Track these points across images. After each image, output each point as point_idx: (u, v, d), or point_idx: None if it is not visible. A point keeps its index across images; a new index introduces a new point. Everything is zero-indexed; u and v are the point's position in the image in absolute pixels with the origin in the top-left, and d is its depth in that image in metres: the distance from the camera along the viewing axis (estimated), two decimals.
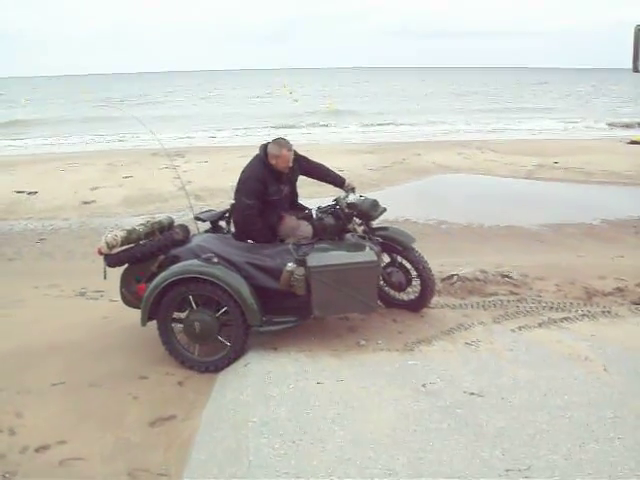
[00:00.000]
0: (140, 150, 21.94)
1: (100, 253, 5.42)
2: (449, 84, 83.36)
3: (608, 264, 7.93)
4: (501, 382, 4.59)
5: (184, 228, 5.84)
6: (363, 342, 5.42)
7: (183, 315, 5.41)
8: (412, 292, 6.08)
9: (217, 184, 14.16)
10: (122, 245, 5.45)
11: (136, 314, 5.42)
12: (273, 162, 5.70)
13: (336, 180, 6.23)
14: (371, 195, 6.14)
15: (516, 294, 6.58)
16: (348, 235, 5.81)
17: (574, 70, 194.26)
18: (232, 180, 5.89)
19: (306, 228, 5.82)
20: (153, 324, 5.35)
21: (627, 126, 30.95)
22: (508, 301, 6.33)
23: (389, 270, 6.01)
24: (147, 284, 5.37)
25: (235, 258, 5.37)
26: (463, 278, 6.90)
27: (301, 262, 5.22)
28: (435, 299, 6.24)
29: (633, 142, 21.38)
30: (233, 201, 6.02)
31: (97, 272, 5.62)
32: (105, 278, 5.52)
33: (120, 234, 5.40)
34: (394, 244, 5.90)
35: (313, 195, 8.76)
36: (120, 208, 13.23)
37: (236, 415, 4.33)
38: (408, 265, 5.97)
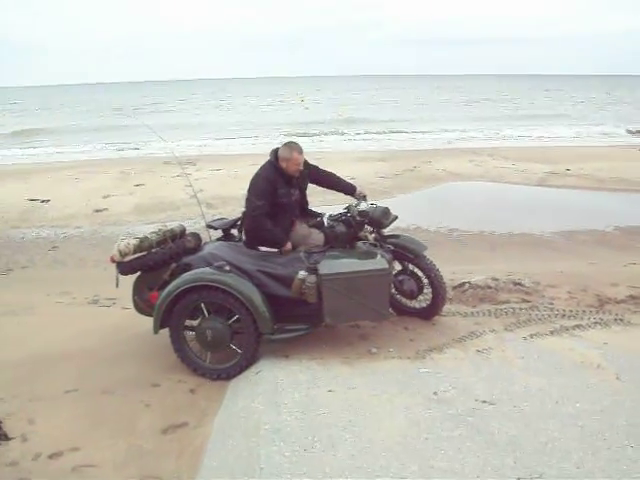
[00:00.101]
0: (152, 158, 22.04)
1: (113, 261, 5.45)
2: (462, 91, 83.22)
3: (620, 271, 7.89)
4: (513, 390, 4.58)
5: (196, 236, 5.86)
6: (374, 350, 5.42)
7: (195, 323, 5.42)
8: (423, 300, 6.07)
9: (229, 192, 14.20)
10: (134, 253, 5.47)
11: (148, 322, 5.44)
12: (284, 165, 5.72)
13: (347, 188, 6.24)
14: (382, 203, 6.15)
15: (528, 302, 6.55)
16: (359, 243, 5.81)
17: (588, 76, 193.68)
18: (243, 188, 5.91)
19: (317, 236, 5.83)
20: (165, 332, 5.37)
21: None
22: (520, 309, 6.31)
23: (400, 278, 6.01)
24: (159, 292, 5.39)
25: (247, 266, 5.38)
26: (474, 286, 6.89)
27: (312, 270, 5.23)
28: (447, 307, 6.24)
29: None
30: (244, 209, 6.05)
31: (109, 280, 5.66)
32: (117, 286, 5.53)
33: (132, 242, 5.42)
34: (405, 252, 5.90)
35: (325, 203, 8.77)
36: (132, 216, 13.28)
37: (248, 422, 4.34)
38: (420, 273, 5.97)
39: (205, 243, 5.96)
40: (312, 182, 6.16)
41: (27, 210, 13.89)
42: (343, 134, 33.08)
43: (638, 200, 13.97)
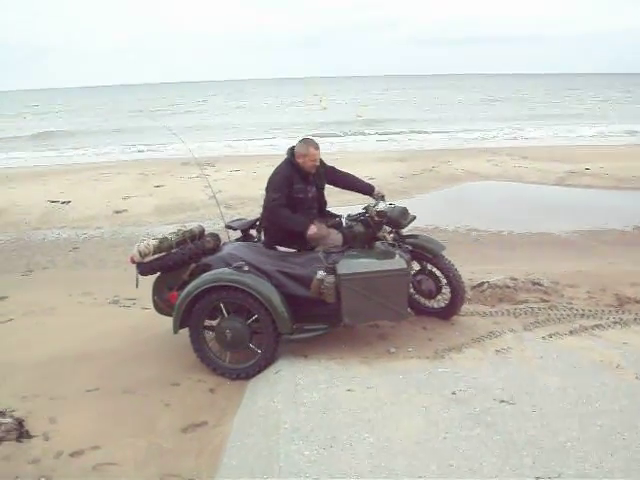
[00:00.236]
0: (171, 159, 22.13)
1: (133, 261, 5.49)
2: (480, 91, 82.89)
3: None
4: (531, 390, 4.57)
5: (215, 237, 5.89)
6: (393, 350, 5.43)
7: (214, 323, 5.46)
8: (442, 300, 6.07)
9: (247, 193, 14.25)
10: (154, 254, 5.50)
11: (168, 322, 5.48)
12: (300, 161, 5.76)
13: (365, 188, 6.25)
14: (401, 203, 6.15)
15: (547, 301, 6.53)
16: (378, 243, 5.81)
17: (608, 75, 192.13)
18: (262, 189, 5.94)
19: (336, 236, 5.84)
20: (185, 332, 5.41)
21: None
22: (539, 308, 6.29)
23: (419, 278, 6.01)
24: (179, 292, 5.42)
25: (266, 266, 5.40)
26: (493, 285, 6.88)
27: (331, 270, 5.24)
28: (465, 307, 6.22)
29: None
30: (263, 209, 6.08)
31: (129, 280, 5.69)
32: (137, 286, 5.57)
33: (152, 243, 5.46)
34: (424, 252, 5.89)
35: (343, 203, 8.78)
36: (152, 217, 13.35)
37: (267, 421, 4.36)
38: (438, 273, 5.96)
39: (224, 244, 5.99)
40: (330, 183, 6.18)
41: (48, 212, 14.00)
42: (362, 134, 33.03)
43: None
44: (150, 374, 5.43)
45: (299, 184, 5.76)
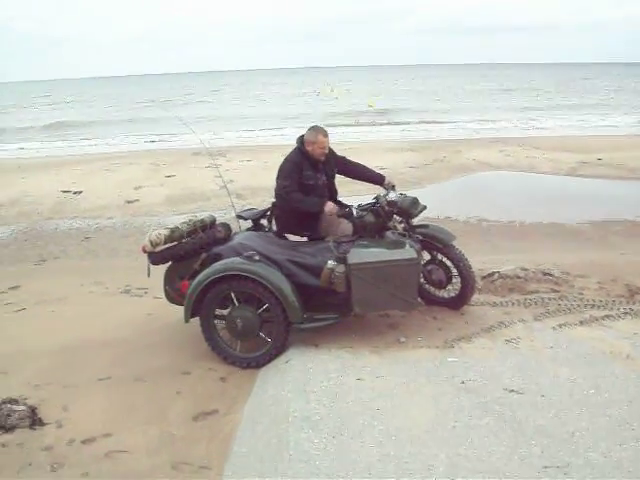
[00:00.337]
0: (183, 150, 22.17)
1: (144, 251, 5.52)
2: (493, 80, 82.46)
3: None
4: (541, 380, 4.57)
5: (226, 226, 5.92)
6: (403, 339, 5.43)
7: (225, 312, 5.48)
8: (452, 290, 6.07)
9: (259, 183, 14.27)
10: (165, 243, 5.53)
11: (179, 311, 5.51)
12: (309, 149, 5.79)
13: (375, 178, 6.26)
14: (412, 193, 6.15)
15: (557, 292, 6.51)
16: (388, 233, 5.82)
17: (621, 64, 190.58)
18: (273, 179, 5.96)
19: (346, 226, 5.85)
20: (196, 321, 5.44)
21: None
22: (549, 299, 6.27)
23: (429, 268, 6.01)
24: (190, 281, 5.45)
25: (276, 256, 5.42)
26: (504, 276, 6.87)
27: (341, 259, 5.24)
28: (476, 297, 6.22)
29: None
30: (274, 199, 6.10)
31: (141, 270, 5.74)
32: (149, 276, 5.61)
33: (163, 232, 5.49)
34: (434, 242, 5.89)
35: (354, 193, 8.79)
36: (163, 207, 13.41)
37: (277, 410, 4.39)
38: (448, 263, 5.96)
39: (235, 233, 6.01)
40: (340, 173, 6.20)
41: (60, 202, 14.07)
42: (374, 124, 32.97)
43: None
44: (161, 363, 5.47)
45: (309, 171, 5.80)
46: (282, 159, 5.98)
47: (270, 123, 34.45)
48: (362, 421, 4.11)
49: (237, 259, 5.32)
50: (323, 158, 5.89)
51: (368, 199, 6.04)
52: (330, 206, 5.70)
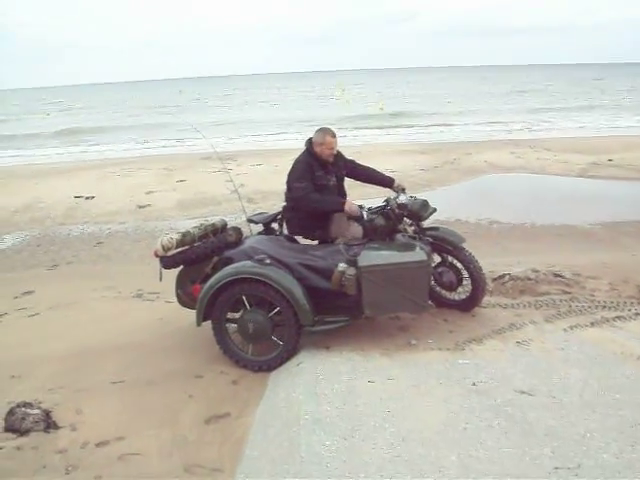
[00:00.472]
0: (193, 154, 22.23)
1: (156, 255, 5.56)
2: (503, 83, 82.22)
3: None
4: (552, 381, 4.57)
5: (237, 230, 5.93)
6: (414, 341, 5.45)
7: (237, 315, 5.50)
8: (463, 292, 6.07)
9: (269, 187, 14.31)
10: (177, 247, 5.56)
11: (191, 315, 5.54)
12: (318, 150, 5.84)
13: (384, 181, 6.27)
14: (423, 195, 6.17)
15: (568, 293, 6.50)
16: (398, 235, 5.82)
17: (636, 64, 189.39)
18: (284, 183, 6.00)
19: (356, 229, 5.87)
20: (208, 324, 5.46)
21: None
22: (560, 300, 6.27)
23: (440, 270, 6.02)
24: (202, 285, 5.48)
25: (287, 259, 5.44)
26: (515, 277, 6.86)
27: (352, 262, 5.26)
28: (486, 299, 6.23)
29: None
30: (284, 203, 6.13)
31: (153, 274, 5.76)
32: (161, 280, 5.63)
33: (175, 237, 5.52)
34: (444, 244, 5.91)
35: (364, 196, 8.81)
36: (174, 211, 13.46)
37: (289, 413, 4.40)
38: (459, 265, 5.97)
39: (246, 237, 6.03)
40: (349, 176, 6.23)
41: (72, 207, 14.16)
42: (384, 127, 32.98)
43: None
44: (174, 366, 5.50)
45: (319, 172, 5.83)
46: (292, 164, 6.01)
47: (280, 127, 34.55)
48: (373, 423, 4.12)
49: (248, 263, 5.34)
50: (332, 159, 5.93)
51: (378, 202, 6.06)
52: (350, 205, 5.73)
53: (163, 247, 5.46)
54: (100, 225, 12.57)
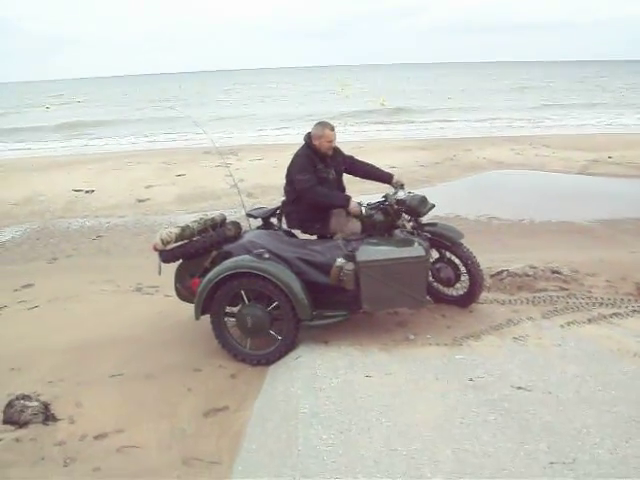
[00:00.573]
0: (194, 149, 22.23)
1: (155, 249, 5.58)
2: (508, 79, 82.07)
3: None
4: (549, 377, 4.59)
5: (236, 225, 5.95)
6: (412, 336, 5.47)
7: (235, 309, 5.53)
8: (461, 288, 6.10)
9: (269, 182, 14.32)
10: (176, 241, 5.58)
11: (190, 309, 5.57)
12: (317, 143, 5.86)
13: (383, 177, 6.29)
14: (422, 191, 6.20)
15: (566, 290, 6.52)
16: (397, 231, 5.85)
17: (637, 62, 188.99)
18: (283, 178, 6.02)
19: (355, 224, 5.88)
20: (206, 318, 5.49)
21: None
22: (558, 297, 6.28)
23: (438, 266, 6.03)
24: (201, 279, 5.50)
25: (286, 254, 5.46)
26: (513, 274, 6.88)
27: (350, 257, 5.28)
28: (484, 294, 6.26)
29: None
30: (284, 198, 6.15)
31: (152, 268, 5.79)
32: (160, 274, 5.66)
33: (174, 231, 5.54)
34: (442, 240, 5.92)
35: (363, 192, 8.82)
36: (174, 206, 13.47)
37: (287, 406, 4.43)
38: (457, 261, 5.99)
39: (245, 231, 6.05)
40: (348, 172, 6.25)
41: (72, 200, 14.17)
42: (385, 123, 32.94)
43: None
44: (173, 360, 5.53)
45: (319, 164, 5.86)
46: (291, 157, 6.03)
47: (281, 122, 34.50)
48: (370, 417, 4.14)
49: (247, 257, 5.36)
50: (330, 152, 5.96)
51: (377, 198, 6.08)
52: (355, 204, 5.76)
53: (162, 241, 5.48)
54: (100, 219, 12.59)
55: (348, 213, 5.85)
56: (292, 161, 5.94)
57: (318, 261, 5.44)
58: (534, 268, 7.01)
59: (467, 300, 6.06)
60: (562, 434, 3.84)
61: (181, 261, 5.79)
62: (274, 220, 6.35)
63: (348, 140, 21.18)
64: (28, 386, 5.02)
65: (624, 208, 11.50)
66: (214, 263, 5.58)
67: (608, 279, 6.82)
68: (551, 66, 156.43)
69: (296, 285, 5.24)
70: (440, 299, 6.19)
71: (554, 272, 6.94)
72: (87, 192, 14.87)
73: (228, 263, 5.37)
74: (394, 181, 6.17)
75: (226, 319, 5.54)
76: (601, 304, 6.06)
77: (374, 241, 5.54)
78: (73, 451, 4.21)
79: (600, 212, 11.23)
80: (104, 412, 4.69)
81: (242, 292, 5.39)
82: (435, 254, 6.02)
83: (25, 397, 4.74)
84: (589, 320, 5.64)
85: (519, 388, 4.45)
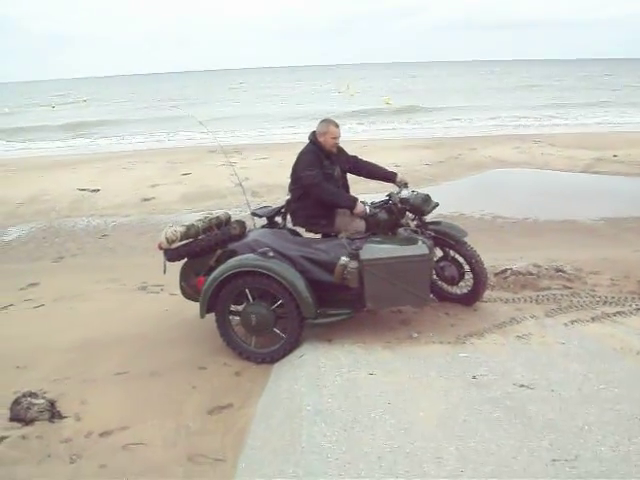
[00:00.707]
0: (198, 148, 22.26)
1: (160, 248, 5.62)
2: (510, 77, 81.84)
3: None
4: (552, 375, 4.61)
5: (241, 223, 5.96)
6: (415, 335, 5.49)
7: (240, 308, 5.55)
8: (465, 286, 6.11)
9: (274, 180, 14.33)
10: (181, 240, 5.61)
11: (195, 307, 5.58)
12: (322, 140, 5.89)
13: (387, 176, 6.31)
14: (427, 190, 6.21)
15: (569, 288, 6.54)
16: (401, 230, 5.87)
17: None
18: (288, 176, 6.04)
19: (359, 223, 5.91)
20: (211, 317, 5.52)
21: None
22: (561, 295, 6.29)
23: (442, 264, 6.05)
24: (205, 278, 5.53)
25: (290, 252, 5.48)
26: (516, 272, 6.89)
27: (354, 256, 5.29)
28: (488, 293, 6.27)
29: None
30: (288, 196, 6.17)
31: (157, 267, 5.83)
32: (165, 272, 5.69)
33: (179, 229, 5.57)
34: (446, 238, 5.94)
35: (367, 191, 8.84)
36: (179, 205, 13.50)
37: (290, 404, 4.45)
38: (461, 259, 6.01)
39: (250, 230, 6.07)
40: (352, 172, 6.27)
41: (77, 199, 14.21)
42: (389, 122, 32.90)
43: None
44: (178, 358, 5.55)
45: (325, 161, 5.89)
46: (297, 156, 6.05)
47: (286, 121, 34.51)
48: (374, 415, 4.16)
49: (252, 255, 5.38)
50: (335, 149, 6.00)
51: (381, 197, 6.10)
52: (361, 207, 5.79)
53: (167, 240, 5.51)
54: (105, 218, 12.62)
55: (352, 213, 5.88)
56: (298, 159, 5.97)
57: (322, 259, 5.45)
58: (538, 267, 7.02)
59: (471, 298, 6.07)
60: (564, 432, 3.86)
61: (186, 260, 5.82)
62: (279, 219, 6.37)
63: (353, 139, 21.17)
64: (34, 384, 5.05)
65: (628, 207, 11.49)
66: (219, 262, 5.59)
67: (612, 277, 6.83)
68: (552, 64, 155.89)
69: (300, 283, 5.26)
70: (444, 297, 6.21)
71: (558, 271, 6.95)
72: (92, 191, 14.92)
73: (233, 262, 5.39)
74: (398, 180, 6.19)
75: (231, 317, 5.56)
76: (605, 302, 6.07)
77: (378, 239, 5.55)
78: (79, 448, 4.23)
79: (604, 211, 11.23)
80: (109, 409, 4.72)
81: (247, 290, 5.40)
82: (439, 252, 6.04)
83: (31, 395, 4.77)
84: (592, 318, 5.65)
85: (522, 386, 4.46)
